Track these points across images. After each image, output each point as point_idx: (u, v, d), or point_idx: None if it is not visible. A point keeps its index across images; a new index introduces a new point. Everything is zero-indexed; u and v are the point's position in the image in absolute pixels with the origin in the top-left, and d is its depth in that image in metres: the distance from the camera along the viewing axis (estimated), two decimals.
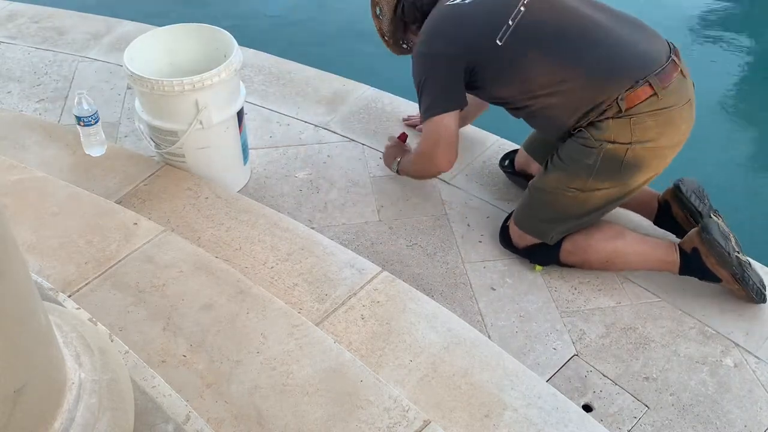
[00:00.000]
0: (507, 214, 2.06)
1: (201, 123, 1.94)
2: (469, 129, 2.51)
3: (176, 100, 1.90)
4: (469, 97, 1.94)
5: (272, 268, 1.78)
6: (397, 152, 2.22)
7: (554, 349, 1.79)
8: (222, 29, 2.04)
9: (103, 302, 1.56)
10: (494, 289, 1.93)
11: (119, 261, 1.66)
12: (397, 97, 2.66)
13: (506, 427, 1.45)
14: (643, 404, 1.67)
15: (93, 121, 2.06)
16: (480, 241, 2.08)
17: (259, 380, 1.40)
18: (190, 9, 4.18)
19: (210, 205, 1.97)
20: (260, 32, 4.03)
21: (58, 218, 1.77)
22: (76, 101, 2.04)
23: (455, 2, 1.84)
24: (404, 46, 2.11)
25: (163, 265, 1.65)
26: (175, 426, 1.13)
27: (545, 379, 1.68)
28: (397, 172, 2.20)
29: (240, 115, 2.06)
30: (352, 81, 2.74)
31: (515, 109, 1.91)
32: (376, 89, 2.69)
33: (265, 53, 2.94)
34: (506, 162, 2.27)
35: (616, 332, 1.83)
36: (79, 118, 2.05)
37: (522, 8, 1.77)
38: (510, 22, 1.76)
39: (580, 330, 1.83)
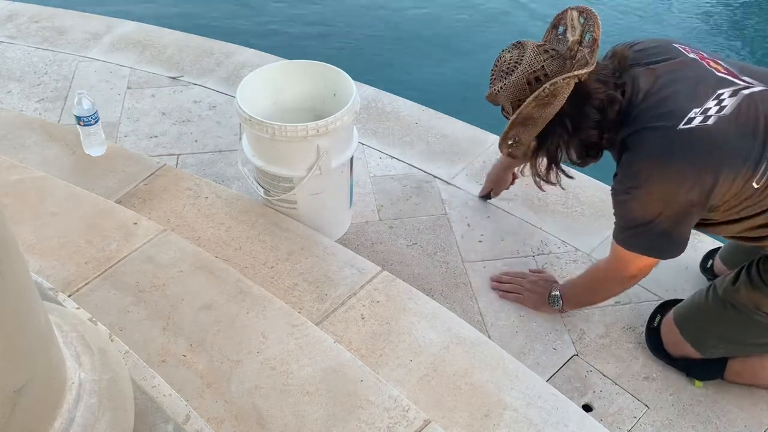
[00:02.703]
0: (653, 312, 1.79)
1: (320, 169, 1.80)
2: (469, 129, 2.51)
3: (297, 146, 1.76)
4: None
5: (272, 268, 1.78)
6: (544, 285, 1.86)
7: (554, 349, 1.79)
8: (335, 66, 1.90)
9: (103, 302, 1.56)
10: (494, 289, 1.93)
11: (119, 261, 1.66)
12: (397, 96, 2.67)
13: (506, 426, 1.45)
14: (643, 404, 1.67)
15: (93, 121, 2.06)
16: (480, 241, 2.08)
17: (259, 380, 1.40)
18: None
19: (210, 205, 1.97)
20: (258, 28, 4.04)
21: (58, 218, 1.77)
22: (76, 101, 2.04)
23: (693, 125, 1.34)
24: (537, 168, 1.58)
25: (163, 265, 1.65)
26: (175, 426, 1.13)
27: (545, 379, 1.68)
28: (561, 309, 1.83)
29: (352, 158, 1.93)
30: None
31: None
32: (376, 89, 2.69)
33: (264, 52, 2.94)
34: (708, 264, 1.92)
35: (616, 332, 1.83)
36: (79, 118, 2.05)
37: None
38: None
39: (580, 330, 1.83)
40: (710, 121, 1.34)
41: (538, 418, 1.47)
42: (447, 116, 2.57)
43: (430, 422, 1.34)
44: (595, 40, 1.38)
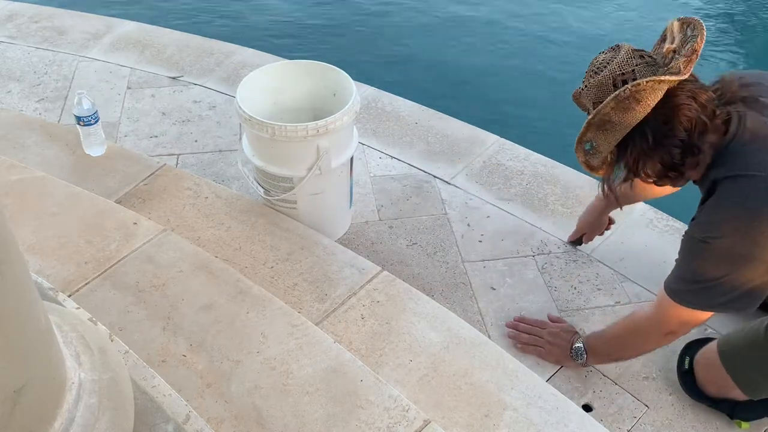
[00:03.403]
0: (681, 354, 1.68)
1: (320, 169, 1.81)
2: (469, 129, 2.52)
3: (297, 146, 1.76)
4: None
5: (272, 267, 1.78)
6: (566, 337, 1.73)
7: None
8: (335, 66, 1.90)
9: (103, 302, 1.56)
10: (494, 289, 1.93)
11: (119, 261, 1.66)
12: (397, 96, 2.67)
13: (506, 426, 1.45)
14: (643, 404, 1.67)
15: (93, 121, 2.06)
16: (480, 241, 2.08)
17: (259, 380, 1.40)
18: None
19: (210, 204, 1.97)
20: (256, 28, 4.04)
21: (58, 218, 1.77)
22: (76, 101, 2.04)
23: None
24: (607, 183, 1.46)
25: (163, 265, 1.65)
26: (175, 426, 1.13)
27: (545, 378, 1.68)
28: (585, 363, 1.69)
29: (352, 158, 1.94)
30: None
31: None
32: (376, 89, 2.69)
33: (264, 52, 2.94)
34: None
35: None
36: (79, 118, 2.05)
37: None
38: None
39: (580, 330, 1.83)
40: None
41: (538, 418, 1.47)
42: (447, 116, 2.57)
43: (430, 422, 1.34)
44: (694, 51, 1.24)
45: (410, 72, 3.70)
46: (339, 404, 1.36)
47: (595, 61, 1.37)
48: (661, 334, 1.50)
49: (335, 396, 1.38)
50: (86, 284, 1.60)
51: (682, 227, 2.11)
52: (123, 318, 1.53)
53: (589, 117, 1.32)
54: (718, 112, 1.29)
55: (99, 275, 1.62)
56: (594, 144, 1.35)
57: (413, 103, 2.63)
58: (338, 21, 4.19)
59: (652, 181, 1.37)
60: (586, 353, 1.66)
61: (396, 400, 1.37)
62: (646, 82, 1.24)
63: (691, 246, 1.36)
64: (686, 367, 1.65)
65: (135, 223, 1.77)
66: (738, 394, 1.56)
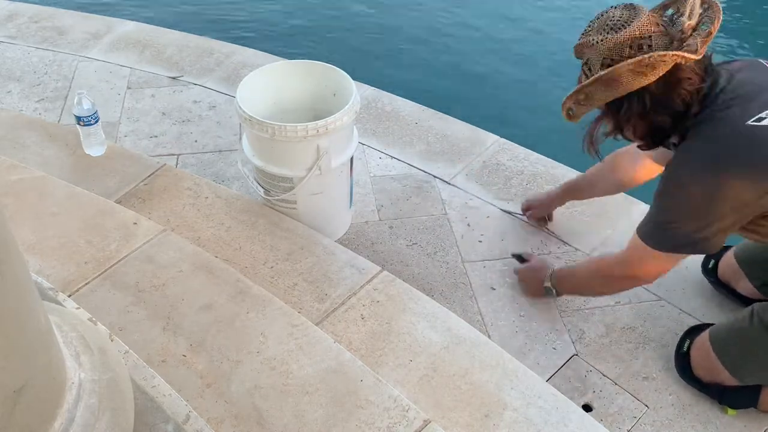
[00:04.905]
0: (681, 337, 1.74)
1: (320, 169, 1.81)
2: (469, 129, 2.52)
3: (297, 146, 1.76)
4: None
5: (272, 267, 1.78)
6: (537, 275, 1.87)
7: (554, 348, 1.79)
8: (335, 66, 1.90)
9: (103, 302, 1.56)
10: (494, 289, 1.93)
11: (119, 261, 1.66)
12: (397, 97, 2.67)
13: (506, 426, 1.45)
14: (643, 404, 1.67)
15: (93, 121, 2.06)
16: (480, 241, 2.08)
17: (259, 380, 1.40)
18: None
19: (210, 205, 1.97)
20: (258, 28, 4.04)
21: (58, 218, 1.77)
22: (76, 101, 2.04)
23: (762, 123, 1.31)
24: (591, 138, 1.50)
25: (163, 265, 1.65)
26: (175, 426, 1.13)
27: (545, 378, 1.68)
28: (555, 292, 1.83)
29: (352, 158, 1.94)
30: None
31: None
32: (376, 89, 2.69)
33: (264, 52, 2.94)
34: (710, 264, 1.89)
35: (615, 332, 1.83)
36: (79, 118, 2.05)
37: None
38: None
39: (580, 330, 1.83)
40: None
41: (538, 418, 1.47)
42: (447, 116, 2.57)
43: (430, 422, 1.34)
44: (710, 33, 1.30)
45: (410, 72, 3.70)
46: (339, 404, 1.36)
47: (607, 15, 1.39)
48: (625, 276, 1.58)
49: (335, 396, 1.38)
50: (86, 284, 1.60)
51: None
52: (123, 318, 1.53)
53: (602, 73, 1.34)
54: (707, 78, 1.37)
55: (99, 275, 1.62)
56: (589, 95, 1.39)
57: (413, 103, 2.63)
58: (338, 21, 4.19)
59: (635, 141, 1.47)
60: (555, 290, 1.82)
61: (396, 400, 1.37)
62: (672, 55, 1.29)
63: (663, 189, 1.43)
64: (684, 349, 1.71)
65: (135, 223, 1.77)
66: (725, 379, 1.61)
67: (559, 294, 1.84)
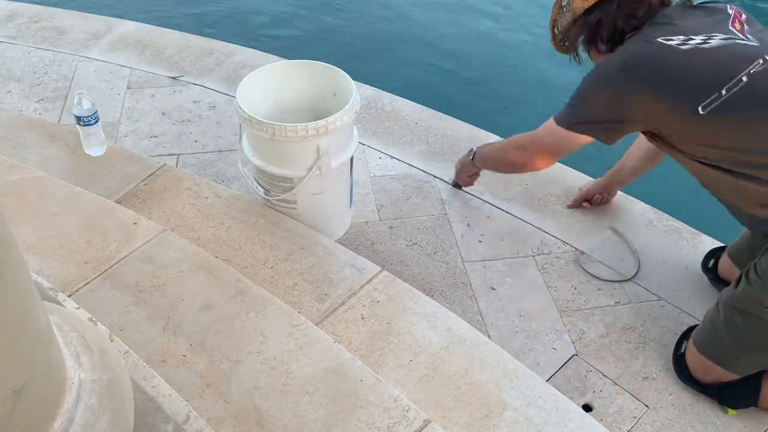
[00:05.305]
0: (679, 339, 1.77)
1: (320, 169, 1.81)
2: (469, 129, 2.51)
3: (297, 146, 1.76)
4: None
5: (272, 267, 1.78)
6: (465, 160, 2.10)
7: (554, 348, 1.79)
8: (335, 66, 1.91)
9: (102, 302, 1.56)
10: (494, 289, 1.93)
11: (119, 261, 1.66)
12: (397, 97, 2.67)
13: (506, 426, 1.45)
14: (643, 404, 1.67)
15: (93, 121, 2.06)
16: (480, 241, 2.08)
17: (259, 380, 1.40)
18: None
19: (210, 205, 1.97)
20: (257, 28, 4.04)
21: (58, 218, 1.77)
22: (76, 101, 2.04)
23: (670, 43, 1.46)
24: (566, 44, 1.75)
25: (163, 265, 1.65)
26: (175, 426, 1.13)
27: (545, 378, 1.68)
28: (473, 160, 2.04)
29: (352, 158, 1.94)
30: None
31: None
32: (376, 89, 2.69)
33: (264, 52, 2.94)
34: (710, 263, 1.93)
35: (615, 332, 1.83)
36: (79, 118, 2.05)
37: (745, 78, 1.42)
38: (723, 92, 1.42)
39: (580, 330, 1.83)
40: (684, 47, 1.46)
41: (538, 418, 1.47)
42: (447, 116, 2.57)
43: (430, 422, 1.34)
44: None
45: (410, 72, 3.70)
46: (339, 404, 1.36)
47: None
48: (528, 152, 1.77)
49: (335, 396, 1.38)
50: (86, 284, 1.60)
51: (682, 227, 2.12)
52: (123, 318, 1.53)
53: None
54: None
55: (99, 275, 1.62)
56: (570, 3, 1.63)
57: (413, 103, 2.63)
58: (338, 21, 4.19)
59: (602, 51, 1.64)
60: (473, 159, 2.03)
61: (396, 400, 1.37)
62: None
63: (586, 76, 1.60)
64: (681, 351, 1.72)
65: (135, 223, 1.77)
66: (721, 374, 1.63)
67: (475, 160, 2.02)
